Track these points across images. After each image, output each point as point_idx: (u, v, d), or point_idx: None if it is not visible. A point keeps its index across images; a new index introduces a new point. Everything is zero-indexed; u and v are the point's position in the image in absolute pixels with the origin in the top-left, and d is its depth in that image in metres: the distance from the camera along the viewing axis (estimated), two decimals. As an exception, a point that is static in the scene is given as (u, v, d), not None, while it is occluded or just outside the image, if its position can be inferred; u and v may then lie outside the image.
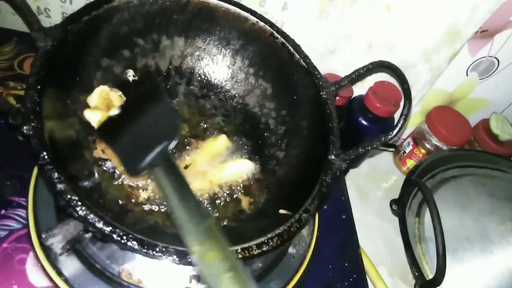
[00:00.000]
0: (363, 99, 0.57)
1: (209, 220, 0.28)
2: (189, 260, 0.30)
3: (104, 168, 0.39)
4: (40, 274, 0.37)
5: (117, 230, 0.29)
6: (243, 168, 0.44)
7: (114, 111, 0.40)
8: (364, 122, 0.57)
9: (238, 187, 0.43)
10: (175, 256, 0.29)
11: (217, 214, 0.41)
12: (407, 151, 0.66)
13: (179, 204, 0.29)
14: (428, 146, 0.63)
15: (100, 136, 0.38)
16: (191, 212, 0.28)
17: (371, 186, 0.65)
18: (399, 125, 0.37)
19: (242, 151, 0.46)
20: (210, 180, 0.42)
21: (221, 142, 0.45)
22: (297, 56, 0.44)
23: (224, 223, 0.40)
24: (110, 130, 0.37)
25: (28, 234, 0.38)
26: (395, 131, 0.37)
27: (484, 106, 0.68)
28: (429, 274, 0.52)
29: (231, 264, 0.25)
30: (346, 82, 0.42)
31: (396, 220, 0.57)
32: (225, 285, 0.24)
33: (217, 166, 0.43)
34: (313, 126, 0.43)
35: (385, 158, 0.70)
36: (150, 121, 0.36)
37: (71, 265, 0.37)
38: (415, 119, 0.68)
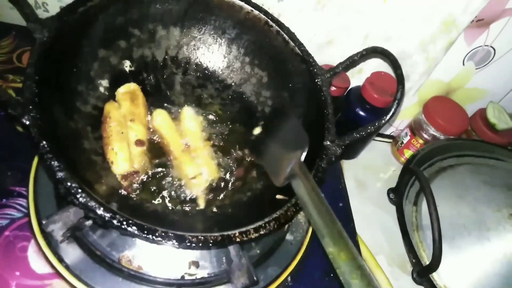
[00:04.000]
0: (360, 90, 0.58)
1: (338, 224, 0.30)
2: (187, 244, 0.30)
3: (103, 157, 0.40)
4: (42, 261, 0.37)
5: (117, 216, 0.30)
6: (186, 116, 0.46)
7: (257, 130, 0.46)
8: (361, 113, 0.57)
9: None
10: (174, 241, 0.30)
11: (217, 201, 0.41)
12: (404, 141, 0.66)
13: (315, 211, 0.31)
14: (425, 136, 0.63)
15: (252, 153, 0.45)
16: (325, 217, 0.31)
17: (369, 177, 0.65)
18: (392, 109, 0.38)
19: (238, 139, 0.47)
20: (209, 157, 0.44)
21: (184, 114, 0.47)
22: (292, 44, 0.44)
23: (224, 210, 0.41)
24: (258, 147, 0.43)
25: (29, 223, 0.38)
26: (388, 116, 0.37)
27: (481, 95, 0.68)
28: (426, 261, 0.52)
29: (359, 263, 0.28)
30: (340, 68, 0.43)
31: (394, 210, 0.57)
32: (355, 281, 0.27)
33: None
34: (309, 113, 0.44)
35: (383, 149, 0.70)
36: (285, 136, 0.40)
37: (72, 252, 0.37)
38: (413, 110, 0.68)
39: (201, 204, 0.41)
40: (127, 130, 0.42)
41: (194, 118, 0.47)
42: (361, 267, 0.27)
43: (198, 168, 0.43)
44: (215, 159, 0.45)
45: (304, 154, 0.36)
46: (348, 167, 0.64)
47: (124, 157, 0.40)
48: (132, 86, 0.44)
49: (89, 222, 0.36)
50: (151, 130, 0.45)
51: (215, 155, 0.46)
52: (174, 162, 0.43)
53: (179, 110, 0.47)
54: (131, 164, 0.40)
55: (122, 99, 0.43)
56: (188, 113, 0.47)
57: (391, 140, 0.71)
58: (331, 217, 0.31)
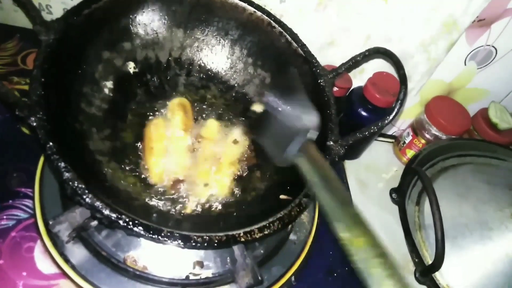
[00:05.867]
0: (362, 90, 0.58)
1: (354, 207, 0.27)
2: (193, 244, 0.31)
3: (108, 157, 0.40)
4: (48, 261, 0.37)
5: (123, 216, 0.30)
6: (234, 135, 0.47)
7: (259, 108, 0.46)
8: (363, 113, 0.58)
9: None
10: (179, 241, 0.30)
11: (221, 201, 0.42)
12: (407, 141, 0.66)
13: (326, 192, 0.29)
14: (427, 136, 0.63)
15: (252, 133, 0.43)
16: (338, 199, 0.28)
17: (372, 177, 0.65)
18: (395, 110, 0.38)
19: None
20: (223, 161, 0.45)
21: (210, 125, 0.47)
22: (295, 44, 0.45)
23: (228, 210, 0.41)
24: (258, 125, 0.41)
25: (35, 223, 0.39)
26: (391, 116, 0.38)
27: (482, 95, 0.68)
28: (429, 260, 0.52)
29: (380, 251, 0.25)
30: (343, 69, 0.43)
31: (396, 210, 0.57)
32: (375, 270, 0.24)
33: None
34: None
35: (385, 149, 0.70)
36: (290, 113, 0.37)
37: (77, 252, 0.38)
38: (414, 110, 0.68)
39: (188, 209, 0.40)
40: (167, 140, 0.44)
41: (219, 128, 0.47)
42: (383, 254, 0.24)
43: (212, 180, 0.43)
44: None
45: (313, 130, 0.33)
46: (350, 167, 0.64)
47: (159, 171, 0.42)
48: (183, 100, 0.47)
49: (94, 223, 0.37)
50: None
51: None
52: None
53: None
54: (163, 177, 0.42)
55: (178, 109, 0.46)
56: (213, 123, 0.48)
57: (393, 140, 0.71)
58: (347, 199, 0.28)
